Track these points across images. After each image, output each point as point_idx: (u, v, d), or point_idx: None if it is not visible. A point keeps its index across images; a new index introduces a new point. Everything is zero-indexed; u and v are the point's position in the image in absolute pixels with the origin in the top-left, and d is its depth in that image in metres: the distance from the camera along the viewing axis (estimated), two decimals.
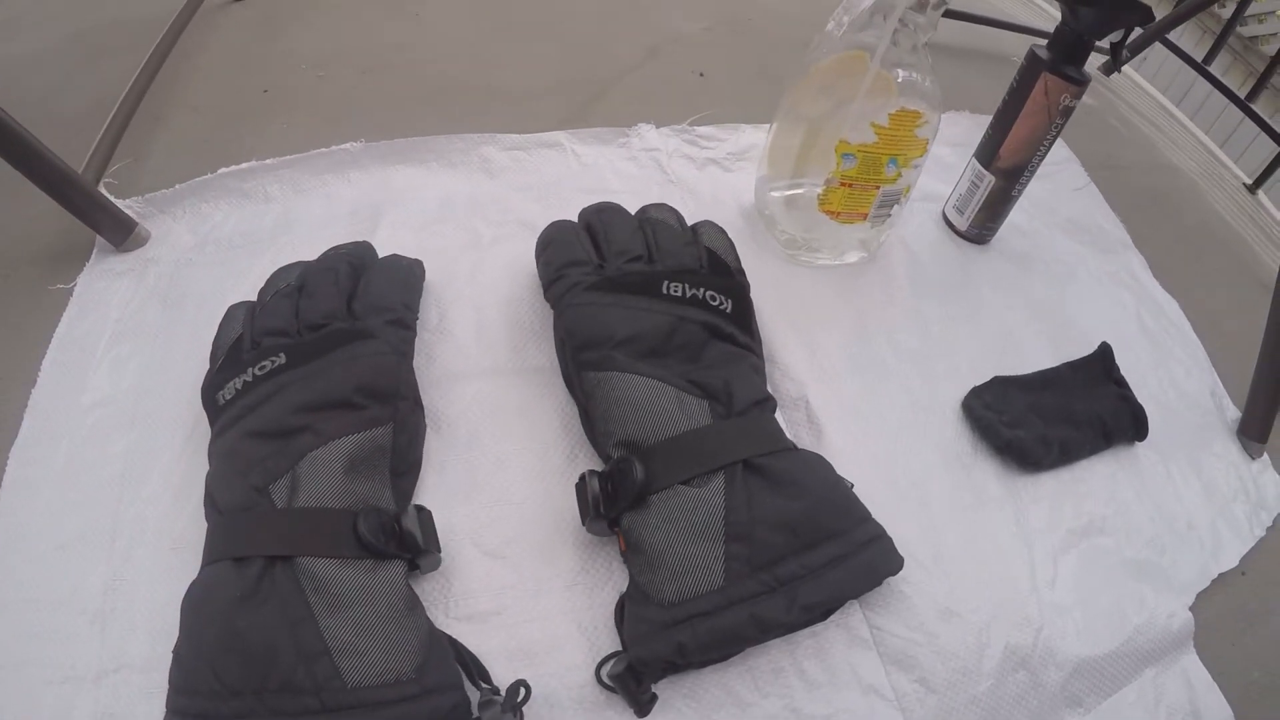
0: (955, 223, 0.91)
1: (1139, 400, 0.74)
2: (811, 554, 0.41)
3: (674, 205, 0.66)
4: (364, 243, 0.58)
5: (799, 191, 0.81)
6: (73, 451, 0.52)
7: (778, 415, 0.56)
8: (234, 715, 0.34)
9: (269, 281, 0.51)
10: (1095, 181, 1.08)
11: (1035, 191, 0.98)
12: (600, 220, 0.57)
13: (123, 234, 0.59)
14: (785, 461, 0.45)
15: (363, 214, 0.69)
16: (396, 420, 0.43)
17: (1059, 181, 1.05)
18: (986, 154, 0.85)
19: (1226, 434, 0.77)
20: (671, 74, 1.02)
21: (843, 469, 0.52)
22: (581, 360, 0.47)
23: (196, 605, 0.38)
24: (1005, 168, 0.84)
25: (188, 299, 0.61)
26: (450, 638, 0.41)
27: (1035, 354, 0.80)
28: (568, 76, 0.97)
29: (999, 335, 0.81)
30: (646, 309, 0.48)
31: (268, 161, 0.72)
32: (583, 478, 0.44)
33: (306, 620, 0.35)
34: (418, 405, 0.48)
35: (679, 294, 0.49)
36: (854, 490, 0.50)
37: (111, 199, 0.61)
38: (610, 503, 0.43)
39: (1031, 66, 0.78)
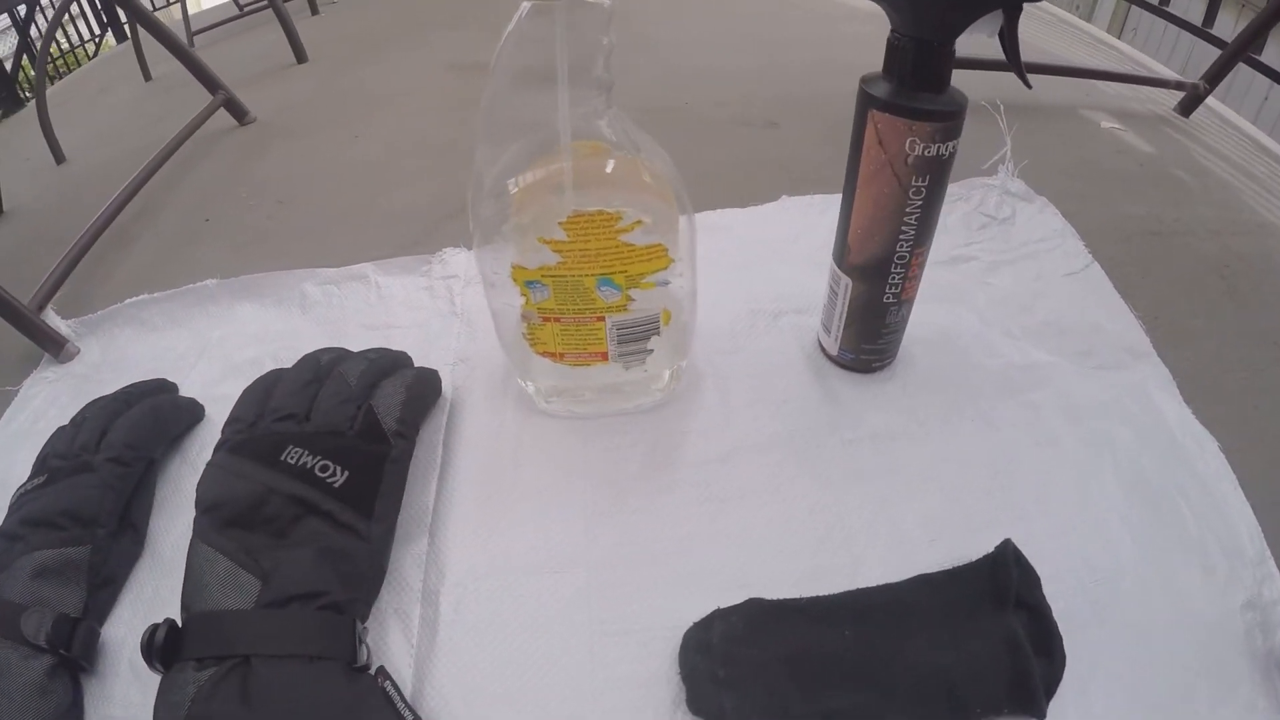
0: (825, 345, 0.52)
1: (1061, 642, 0.37)
2: None
3: (453, 337, 0.59)
4: (157, 381, 0.57)
5: None
6: None
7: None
8: None
9: (83, 408, 0.53)
10: (1123, 257, 0.63)
11: (1000, 282, 0.57)
12: (284, 372, 0.48)
13: (56, 349, 0.65)
14: (285, 674, 0.34)
15: (204, 350, 0.64)
16: (95, 543, 0.43)
17: (1044, 265, 0.61)
18: (839, 246, 0.46)
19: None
20: None
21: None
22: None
23: None
24: (860, 264, 0.45)
25: (71, 411, 0.57)
26: None
27: (907, 555, 0.41)
28: (443, 194, 0.84)
29: (841, 522, 0.43)
30: (244, 476, 0.41)
31: (156, 295, 0.70)
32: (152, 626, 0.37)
33: None
34: (125, 532, 0.46)
35: (294, 461, 0.41)
36: None
37: (46, 321, 0.66)
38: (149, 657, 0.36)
39: (861, 109, 0.40)
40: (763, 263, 0.61)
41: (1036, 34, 1.24)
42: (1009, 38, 0.36)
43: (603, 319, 0.44)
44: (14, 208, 1.11)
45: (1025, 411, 0.48)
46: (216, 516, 0.40)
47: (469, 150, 0.41)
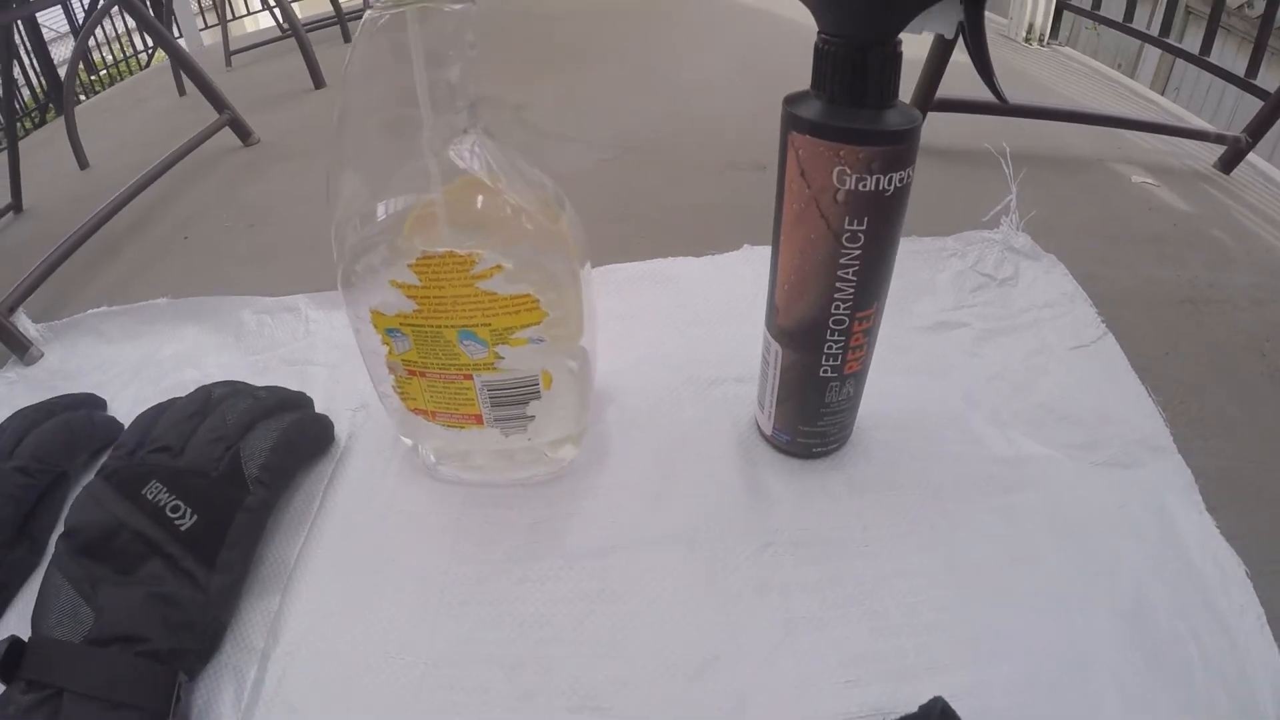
0: (760, 422, 0.42)
1: None
2: None
3: (363, 380, 0.46)
4: (84, 395, 0.56)
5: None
6: None
7: None
8: None
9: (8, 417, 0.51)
10: (1146, 328, 0.52)
11: (993, 355, 0.47)
12: (175, 402, 0.46)
13: (22, 351, 0.65)
14: (85, 715, 0.33)
15: (143, 367, 0.61)
16: None
17: (1048, 335, 0.50)
18: (769, 303, 0.37)
19: None
20: None
21: None
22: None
23: None
24: (789, 328, 0.35)
25: None
26: None
27: (811, 701, 0.30)
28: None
29: (734, 647, 0.33)
30: (104, 505, 0.38)
31: (114, 309, 0.68)
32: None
33: None
34: (22, 542, 0.44)
35: (151, 498, 0.38)
36: None
37: (15, 324, 0.66)
38: None
39: (783, 133, 0.31)
40: (709, 320, 0.52)
41: (1070, 86, 1.14)
42: (972, 32, 0.27)
43: (470, 377, 0.35)
44: (32, 206, 1.14)
45: (1001, 519, 0.37)
46: (72, 542, 0.38)
47: None
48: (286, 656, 0.35)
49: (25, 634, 0.35)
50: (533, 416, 0.37)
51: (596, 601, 0.35)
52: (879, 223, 0.30)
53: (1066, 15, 1.31)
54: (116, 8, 1.09)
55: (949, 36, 0.28)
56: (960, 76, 1.05)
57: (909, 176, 0.30)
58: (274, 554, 0.40)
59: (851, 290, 0.32)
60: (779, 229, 0.33)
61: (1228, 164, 0.82)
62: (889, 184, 0.29)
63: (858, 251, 0.31)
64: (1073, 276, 0.56)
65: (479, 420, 0.37)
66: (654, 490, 0.40)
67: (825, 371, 0.35)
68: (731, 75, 1.20)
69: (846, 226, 0.30)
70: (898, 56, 0.28)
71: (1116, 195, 0.75)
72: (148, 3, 2.16)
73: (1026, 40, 1.28)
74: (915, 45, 0.35)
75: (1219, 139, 0.85)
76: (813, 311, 0.33)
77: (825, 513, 0.38)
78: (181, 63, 1.04)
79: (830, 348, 0.34)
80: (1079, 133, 0.87)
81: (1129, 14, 1.18)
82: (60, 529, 0.41)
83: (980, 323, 0.51)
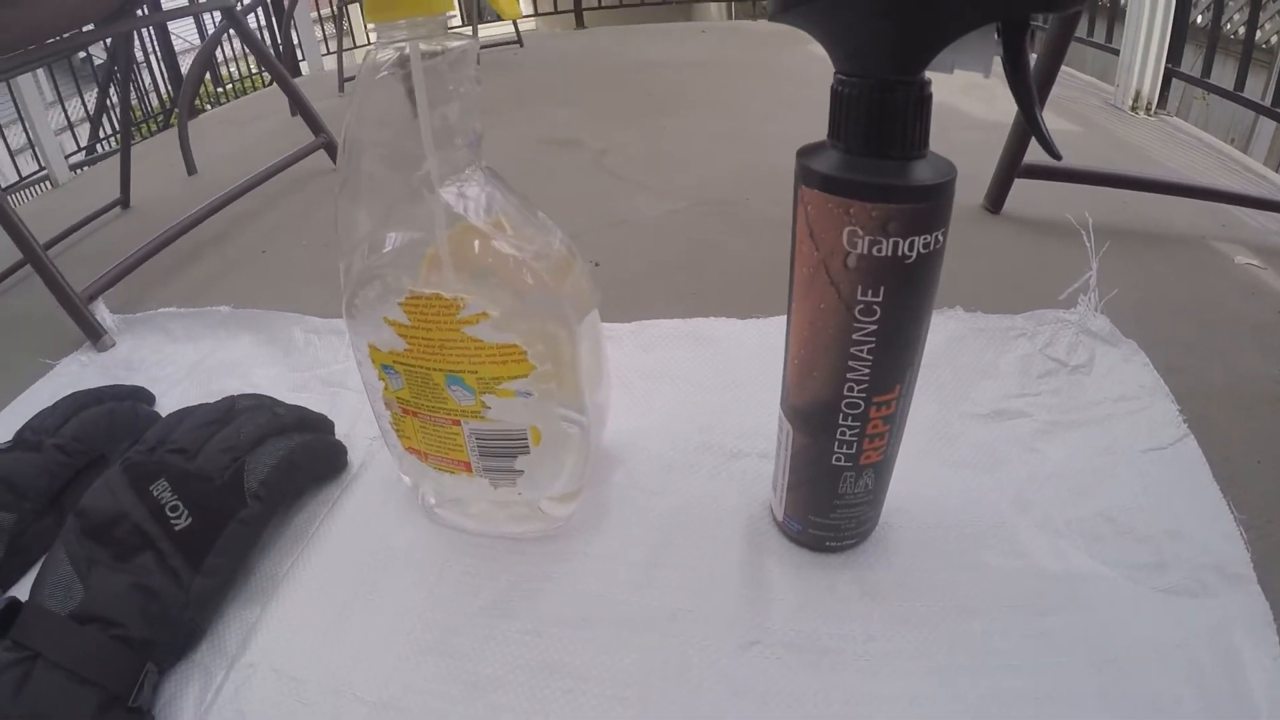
0: (773, 506, 0.37)
1: None
2: None
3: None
4: (134, 387, 0.59)
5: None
6: None
7: None
8: None
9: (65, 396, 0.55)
10: (1236, 432, 0.45)
11: (1053, 451, 0.42)
12: (198, 408, 0.48)
13: (95, 338, 0.70)
14: (51, 683, 0.34)
15: (195, 369, 0.64)
16: (20, 513, 0.44)
17: (1119, 434, 0.43)
18: (782, 382, 0.33)
19: None
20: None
21: None
22: None
23: None
24: (800, 408, 0.31)
25: None
26: None
27: None
28: None
29: None
30: (115, 493, 0.40)
31: (181, 310, 0.72)
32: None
33: None
34: (51, 513, 0.46)
35: (156, 495, 0.40)
36: None
37: (93, 312, 0.70)
38: None
39: (796, 187, 0.27)
40: (744, 386, 0.48)
41: (1175, 157, 1.05)
42: (1015, 71, 0.23)
43: (458, 423, 0.33)
44: (138, 204, 1.23)
45: (1035, 646, 0.32)
46: (81, 523, 0.40)
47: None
48: (249, 667, 0.35)
49: None
50: (521, 471, 0.34)
51: (557, 675, 0.32)
52: (898, 294, 0.26)
53: (1176, 84, 1.22)
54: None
55: (985, 76, 0.24)
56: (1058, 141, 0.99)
57: (938, 241, 0.25)
58: (266, 567, 0.40)
59: (866, 370, 0.28)
60: (791, 295, 0.29)
61: None
62: (910, 249, 0.25)
63: (873, 326, 0.27)
64: (1154, 367, 0.49)
65: (468, 468, 0.35)
66: (645, 565, 0.36)
67: (839, 460, 0.31)
68: (816, 133, 1.17)
69: (859, 297, 0.26)
70: (925, 99, 0.24)
71: (1216, 276, 0.67)
72: (276, 26, 2.32)
73: (1133, 109, 1.19)
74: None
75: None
76: (824, 392, 0.29)
77: (827, 615, 0.33)
78: (285, 87, 1.10)
79: (844, 434, 0.30)
80: (1180, 207, 0.79)
81: (1240, 83, 1.08)
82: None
83: (1044, 414, 0.45)
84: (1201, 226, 0.78)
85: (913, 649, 0.32)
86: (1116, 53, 1.27)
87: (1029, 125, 0.25)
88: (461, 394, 0.31)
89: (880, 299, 0.26)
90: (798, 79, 1.61)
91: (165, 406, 0.56)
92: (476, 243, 0.29)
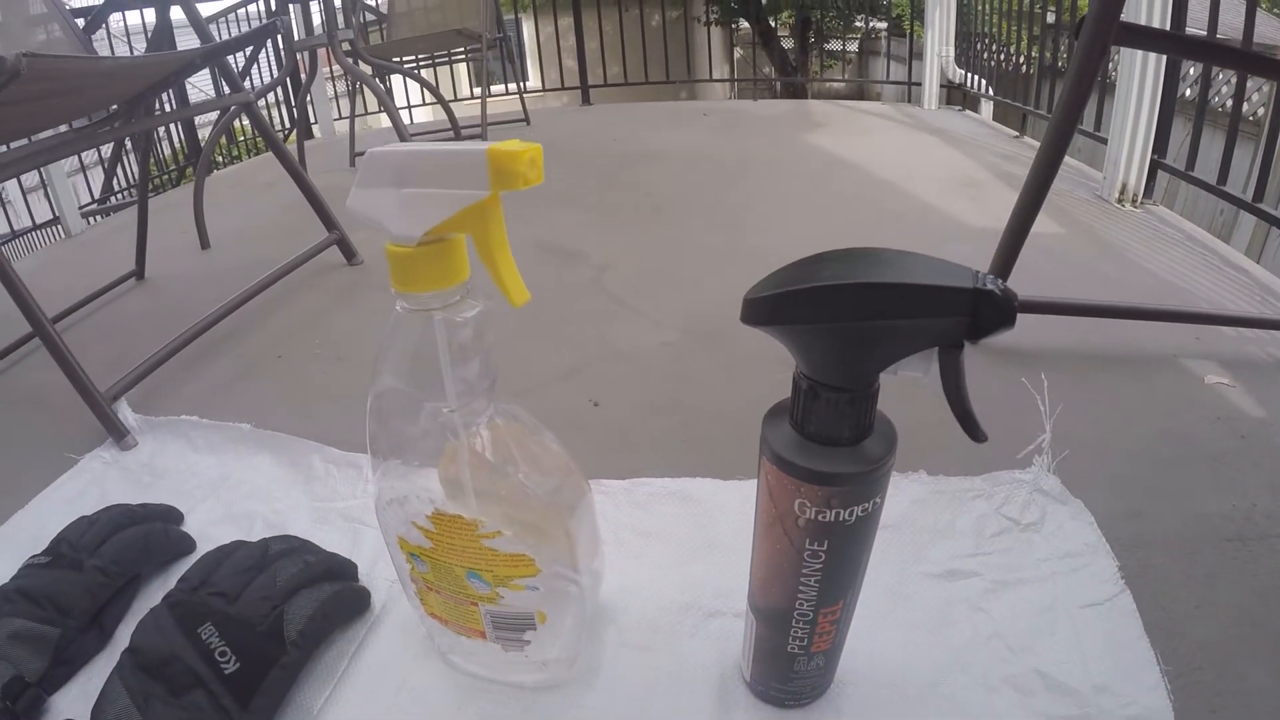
0: (743, 668, 0.45)
1: None
2: None
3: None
4: (166, 507, 0.65)
5: None
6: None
7: None
8: None
9: (101, 510, 0.62)
10: (1179, 575, 0.52)
11: (998, 610, 0.49)
12: (239, 548, 0.55)
13: (119, 437, 0.76)
14: None
15: (219, 486, 0.70)
16: (64, 629, 0.51)
17: (1061, 591, 0.50)
18: (749, 586, 0.41)
19: None
20: (566, 398, 0.83)
21: None
22: None
23: None
24: (761, 608, 0.39)
25: (109, 498, 0.66)
26: None
27: None
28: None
29: None
30: (165, 634, 0.47)
31: (203, 421, 0.78)
32: None
33: None
34: (92, 628, 0.53)
35: (204, 638, 0.47)
36: None
37: (116, 412, 0.77)
38: None
39: (760, 448, 0.35)
40: (719, 548, 0.55)
41: (1156, 256, 1.12)
42: (948, 381, 0.30)
43: (476, 605, 0.41)
44: (153, 276, 1.30)
45: None
46: (135, 659, 0.46)
47: (536, 342, 0.39)
48: None
49: (84, 706, 0.45)
50: (529, 641, 0.42)
51: None
52: (839, 546, 0.34)
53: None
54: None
55: (924, 377, 0.31)
56: (1038, 255, 1.06)
57: (873, 506, 0.33)
58: (301, 699, 0.47)
59: (814, 593, 0.35)
60: (756, 525, 0.37)
61: None
62: (849, 516, 0.33)
63: (819, 565, 0.34)
64: (1113, 512, 0.56)
65: (483, 636, 0.43)
66: (632, 716, 0.44)
67: (793, 648, 0.39)
68: (806, 245, 1.24)
69: (807, 546, 0.34)
70: (872, 396, 0.32)
71: (1183, 405, 0.74)
72: (292, 98, 2.43)
73: (1119, 201, 1.28)
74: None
75: None
76: (781, 603, 0.37)
77: None
78: (302, 186, 1.17)
79: (797, 632, 0.38)
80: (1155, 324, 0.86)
81: (1227, 160, 1.16)
82: (127, 627, 0.52)
83: (993, 573, 0.52)
84: (1178, 341, 0.84)
85: None
86: (1104, 141, 1.35)
87: (963, 425, 0.31)
88: (479, 585, 0.39)
89: (825, 549, 0.34)
90: (792, 174, 1.69)
91: (191, 525, 0.63)
92: (492, 475, 0.37)
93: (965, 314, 0.27)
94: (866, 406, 0.32)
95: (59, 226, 1.74)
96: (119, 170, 2.32)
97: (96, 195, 2.21)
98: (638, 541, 0.54)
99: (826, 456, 0.32)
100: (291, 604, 0.49)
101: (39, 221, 2.04)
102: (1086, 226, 1.22)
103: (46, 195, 1.65)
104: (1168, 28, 1.17)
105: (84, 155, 2.49)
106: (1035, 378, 0.70)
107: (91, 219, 1.85)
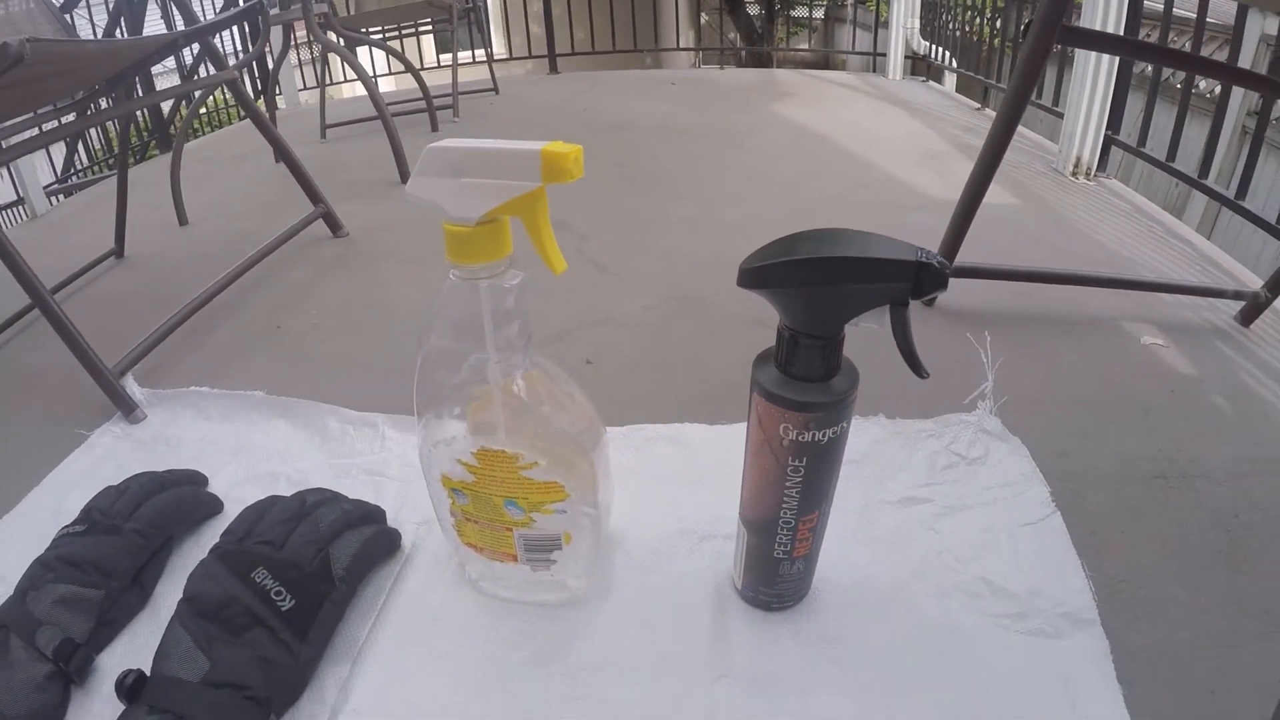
0: (734, 577, 0.54)
1: None
2: None
3: (426, 500, 0.56)
4: (191, 472, 0.70)
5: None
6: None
7: None
8: None
9: (129, 478, 0.66)
10: (1109, 507, 0.62)
11: (949, 530, 0.59)
12: (276, 502, 0.60)
13: (128, 410, 0.80)
14: None
15: (238, 451, 0.74)
16: (108, 590, 0.55)
17: (1000, 514, 0.60)
18: (740, 500, 0.50)
19: None
20: (562, 357, 0.90)
21: None
22: None
23: None
24: (750, 520, 0.48)
25: (125, 470, 0.69)
26: None
27: None
28: None
29: None
30: (219, 581, 0.52)
31: (214, 391, 0.82)
32: (126, 671, 0.48)
33: None
34: (133, 589, 0.57)
35: (259, 581, 0.52)
36: None
37: (124, 386, 0.80)
38: (120, 692, 0.48)
39: (750, 388, 0.44)
40: (710, 482, 0.64)
41: (1104, 227, 1.22)
42: (899, 330, 0.39)
43: (510, 530, 0.49)
44: (134, 255, 1.31)
45: (922, 682, 0.48)
46: (192, 606, 0.51)
47: (530, 306, 0.46)
48: (354, 713, 0.49)
49: (129, 662, 0.49)
50: (555, 560, 0.51)
51: (585, 704, 0.48)
52: (815, 462, 0.43)
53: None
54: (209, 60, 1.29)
55: (879, 328, 0.40)
56: (992, 225, 1.16)
57: (841, 430, 0.42)
58: (348, 631, 0.54)
59: (795, 502, 0.45)
60: (747, 452, 0.46)
61: (1247, 317, 0.89)
62: (823, 437, 0.42)
63: (799, 478, 0.44)
64: (1047, 452, 0.66)
65: (514, 559, 0.51)
66: (642, 624, 0.53)
67: (779, 554, 0.48)
68: (775, 217, 1.32)
69: (790, 462, 0.43)
70: (838, 342, 0.41)
71: (1119, 362, 0.84)
72: (257, 68, 2.43)
73: (1073, 174, 1.38)
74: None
75: (1236, 295, 0.92)
76: (768, 513, 0.46)
77: (773, 656, 0.50)
78: (288, 162, 1.20)
79: (781, 539, 0.47)
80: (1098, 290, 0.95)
81: (1171, 153, 1.26)
82: (165, 585, 0.57)
83: (943, 499, 0.62)
84: (1118, 306, 0.94)
85: (833, 680, 0.49)
86: (1061, 116, 1.44)
87: (907, 361, 0.40)
88: (515, 512, 0.48)
89: (804, 464, 0.43)
90: (760, 145, 1.76)
91: (215, 488, 0.68)
92: (528, 416, 0.46)
93: (909, 279, 0.37)
94: (835, 350, 0.41)
95: (23, 207, 1.74)
96: (79, 147, 2.31)
97: (58, 174, 2.21)
98: (635, 480, 0.63)
99: (805, 390, 0.41)
100: (335, 545, 0.55)
101: (1, 203, 2.03)
102: (1040, 198, 1.32)
103: (10, 176, 1.65)
104: (1124, 14, 1.26)
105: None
106: (980, 335, 0.80)
107: (54, 198, 1.85)
